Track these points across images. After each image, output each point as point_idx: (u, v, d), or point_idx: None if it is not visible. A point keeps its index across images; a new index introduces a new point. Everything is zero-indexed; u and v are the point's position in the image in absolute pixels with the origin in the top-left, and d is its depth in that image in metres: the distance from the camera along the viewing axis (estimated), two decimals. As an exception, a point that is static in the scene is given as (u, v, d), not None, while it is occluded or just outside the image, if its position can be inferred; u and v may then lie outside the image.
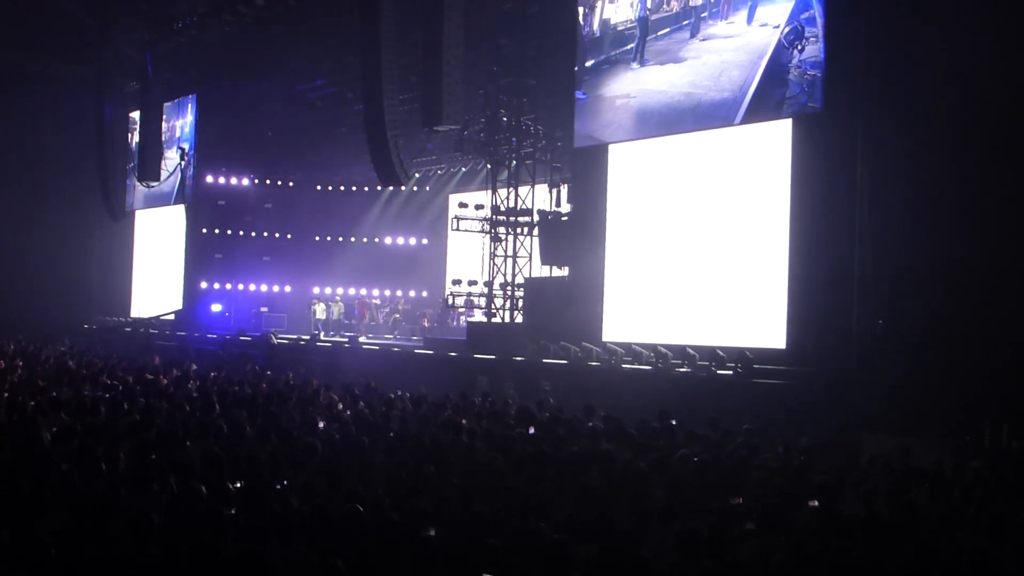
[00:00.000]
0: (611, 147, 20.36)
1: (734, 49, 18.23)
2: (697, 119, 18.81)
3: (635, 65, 20.19)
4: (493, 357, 19.92)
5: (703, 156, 18.60)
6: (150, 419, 11.32)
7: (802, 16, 16.70)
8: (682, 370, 16.54)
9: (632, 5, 20.29)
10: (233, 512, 6.97)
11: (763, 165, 17.51)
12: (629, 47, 20.18)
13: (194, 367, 20.17)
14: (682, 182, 19.06)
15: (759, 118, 17.69)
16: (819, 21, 16.45)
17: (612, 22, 20.73)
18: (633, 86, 20.12)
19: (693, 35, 18.97)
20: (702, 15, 18.64)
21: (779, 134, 17.14)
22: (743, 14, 17.86)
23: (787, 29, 17.09)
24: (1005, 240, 14.15)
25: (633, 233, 19.95)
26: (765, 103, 17.59)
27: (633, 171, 20.15)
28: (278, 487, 7.97)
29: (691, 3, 19.01)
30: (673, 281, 18.88)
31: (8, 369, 17.87)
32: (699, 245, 18.43)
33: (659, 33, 19.70)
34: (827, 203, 16.14)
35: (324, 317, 30.29)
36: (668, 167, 19.44)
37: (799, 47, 16.92)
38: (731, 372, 15.88)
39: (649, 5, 19.88)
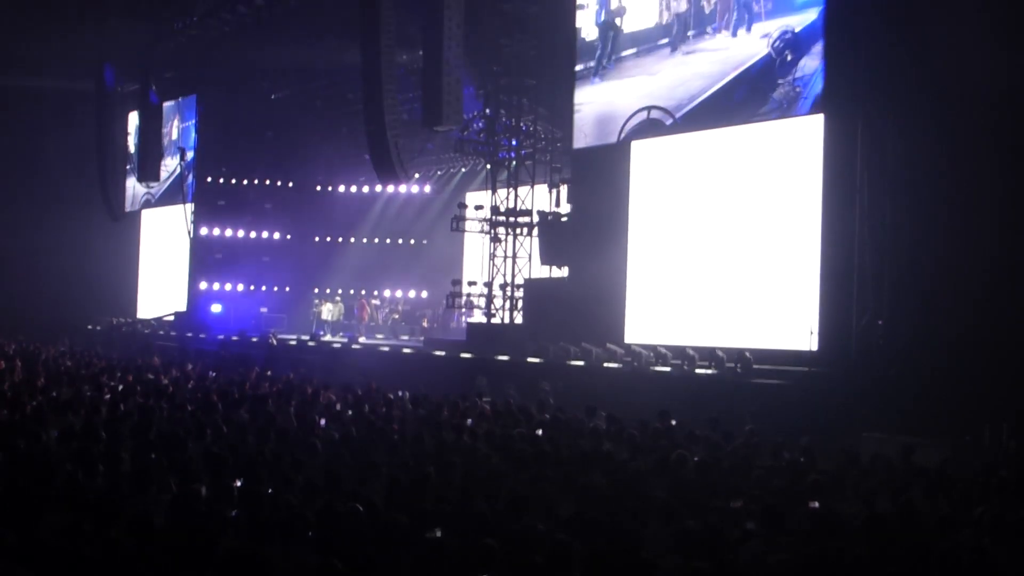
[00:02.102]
0: (632, 144, 20.14)
1: (711, 62, 18.26)
2: (632, 128, 19.48)
3: (596, 80, 20.37)
4: (493, 357, 19.92)
5: (719, 155, 18.44)
6: (150, 419, 11.33)
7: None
8: (692, 369, 16.51)
9: (602, 15, 20.30)
10: (233, 512, 6.97)
11: (779, 164, 17.39)
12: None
13: (190, 367, 20.16)
14: (697, 182, 18.92)
15: (698, 127, 18.36)
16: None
17: (580, 34, 20.87)
18: (586, 97, 20.75)
19: (674, 49, 18.95)
20: (705, 28, 18.49)
21: (799, 131, 17.01)
22: (755, 27, 17.70)
23: (776, 37, 17.04)
24: (1006, 240, 14.14)
25: (640, 232, 19.85)
26: (717, 112, 17.96)
27: (642, 170, 20.05)
28: (278, 487, 7.97)
29: (678, 12, 18.94)
30: (687, 282, 18.71)
31: (8, 369, 17.87)
32: (717, 245, 18.22)
33: (639, 48, 19.73)
34: (835, 203, 16.09)
35: (329, 318, 30.29)
36: (681, 166, 19.30)
37: (789, 56, 16.87)
38: (715, 371, 15.87)
39: (622, 16, 19.86)
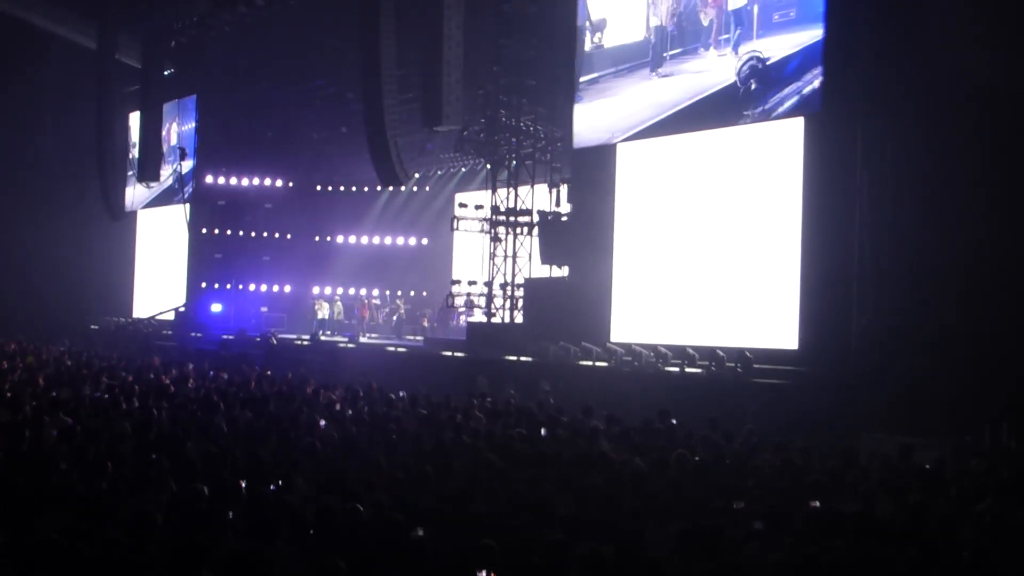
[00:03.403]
0: (619, 146, 20.23)
1: (679, 86, 18.22)
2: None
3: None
4: (493, 357, 19.91)
5: (708, 156, 18.51)
6: (150, 419, 11.34)
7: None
8: (683, 370, 16.51)
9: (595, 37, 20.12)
10: (233, 512, 6.97)
11: (767, 165, 17.41)
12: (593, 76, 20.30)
13: (191, 367, 20.16)
14: (686, 182, 18.97)
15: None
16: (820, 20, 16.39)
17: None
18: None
19: (653, 68, 18.90)
20: (693, 46, 18.32)
21: (784, 134, 17.07)
22: (745, 45, 17.42)
23: (744, 61, 16.97)
24: (1006, 240, 14.14)
25: (635, 233, 19.88)
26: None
27: (635, 171, 20.10)
28: (278, 487, 7.97)
29: (658, 26, 18.83)
30: (676, 282, 18.80)
31: (8, 369, 17.89)
32: (704, 245, 18.32)
33: (618, 67, 19.71)
34: (827, 204, 16.10)
35: (325, 316, 30.25)
36: (671, 167, 19.34)
37: (753, 86, 16.82)
38: (715, 370, 15.85)
39: (603, 30, 19.81)
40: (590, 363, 18.17)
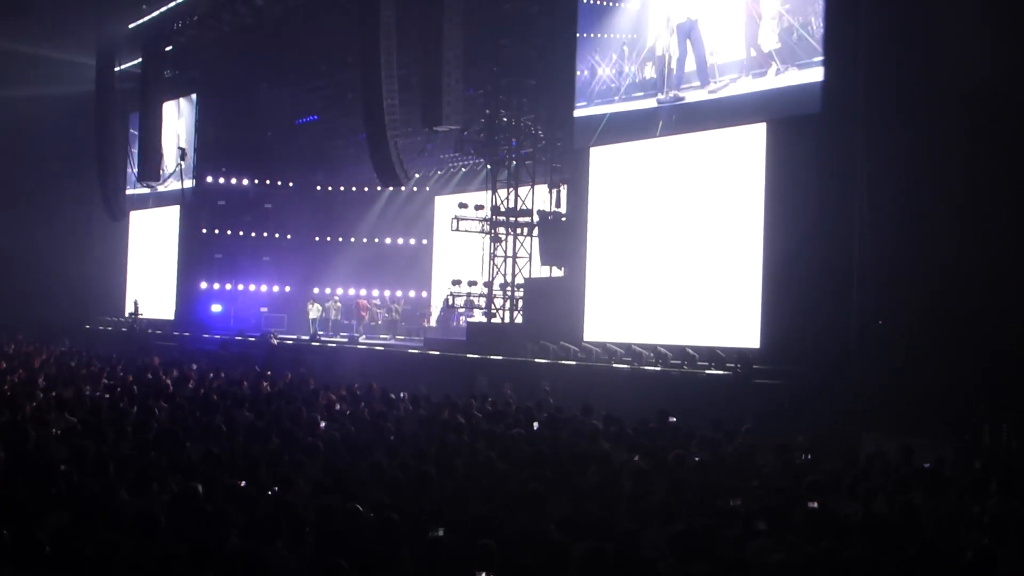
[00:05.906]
0: (592, 150, 20.33)
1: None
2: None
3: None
4: (493, 357, 19.92)
5: (686, 158, 18.59)
6: (150, 419, 11.34)
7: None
8: (682, 370, 16.53)
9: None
10: (233, 512, 6.97)
11: (747, 167, 17.43)
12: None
13: (194, 367, 20.17)
14: (665, 184, 19.04)
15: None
16: (818, 22, 16.37)
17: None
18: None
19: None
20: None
21: (764, 136, 17.10)
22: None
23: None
24: (1004, 239, 14.14)
25: (624, 233, 19.90)
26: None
27: (621, 173, 20.09)
28: (278, 487, 7.97)
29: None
30: (659, 282, 18.84)
31: (8, 369, 17.89)
32: (683, 247, 18.41)
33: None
34: (823, 203, 16.07)
35: (317, 317, 30.26)
36: (652, 169, 19.38)
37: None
38: (729, 372, 15.87)
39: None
40: (590, 363, 18.19)
